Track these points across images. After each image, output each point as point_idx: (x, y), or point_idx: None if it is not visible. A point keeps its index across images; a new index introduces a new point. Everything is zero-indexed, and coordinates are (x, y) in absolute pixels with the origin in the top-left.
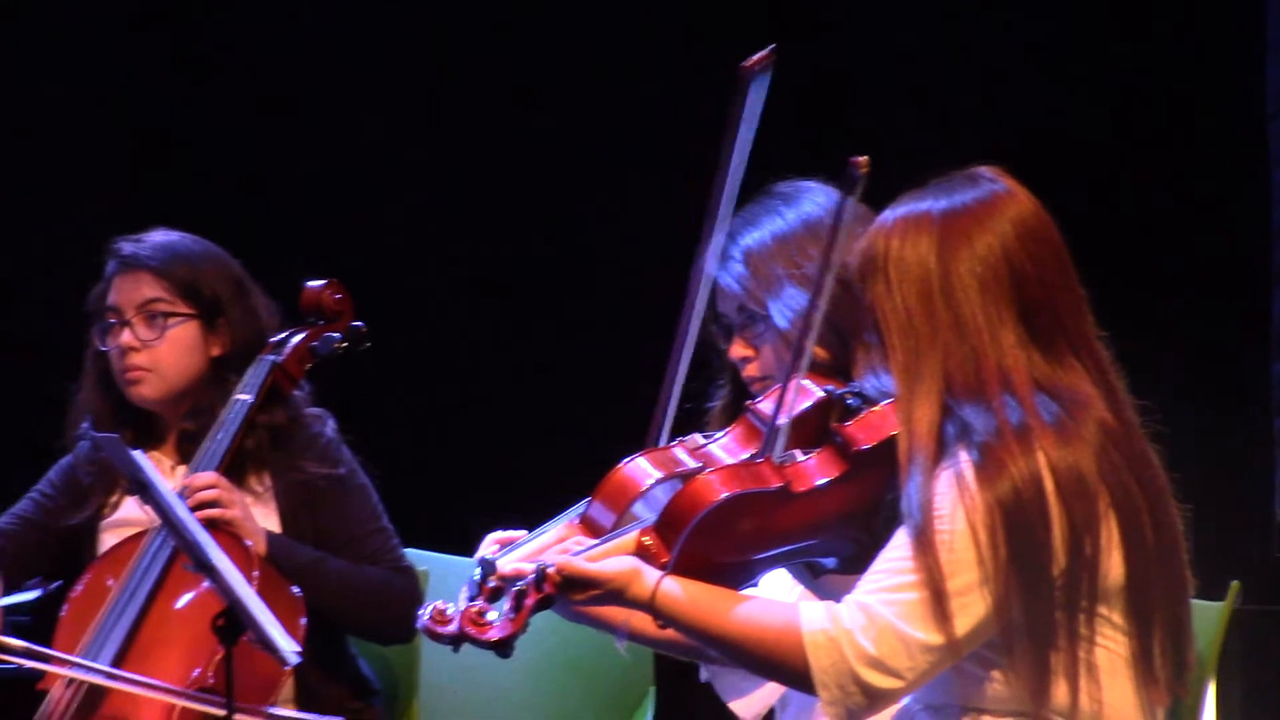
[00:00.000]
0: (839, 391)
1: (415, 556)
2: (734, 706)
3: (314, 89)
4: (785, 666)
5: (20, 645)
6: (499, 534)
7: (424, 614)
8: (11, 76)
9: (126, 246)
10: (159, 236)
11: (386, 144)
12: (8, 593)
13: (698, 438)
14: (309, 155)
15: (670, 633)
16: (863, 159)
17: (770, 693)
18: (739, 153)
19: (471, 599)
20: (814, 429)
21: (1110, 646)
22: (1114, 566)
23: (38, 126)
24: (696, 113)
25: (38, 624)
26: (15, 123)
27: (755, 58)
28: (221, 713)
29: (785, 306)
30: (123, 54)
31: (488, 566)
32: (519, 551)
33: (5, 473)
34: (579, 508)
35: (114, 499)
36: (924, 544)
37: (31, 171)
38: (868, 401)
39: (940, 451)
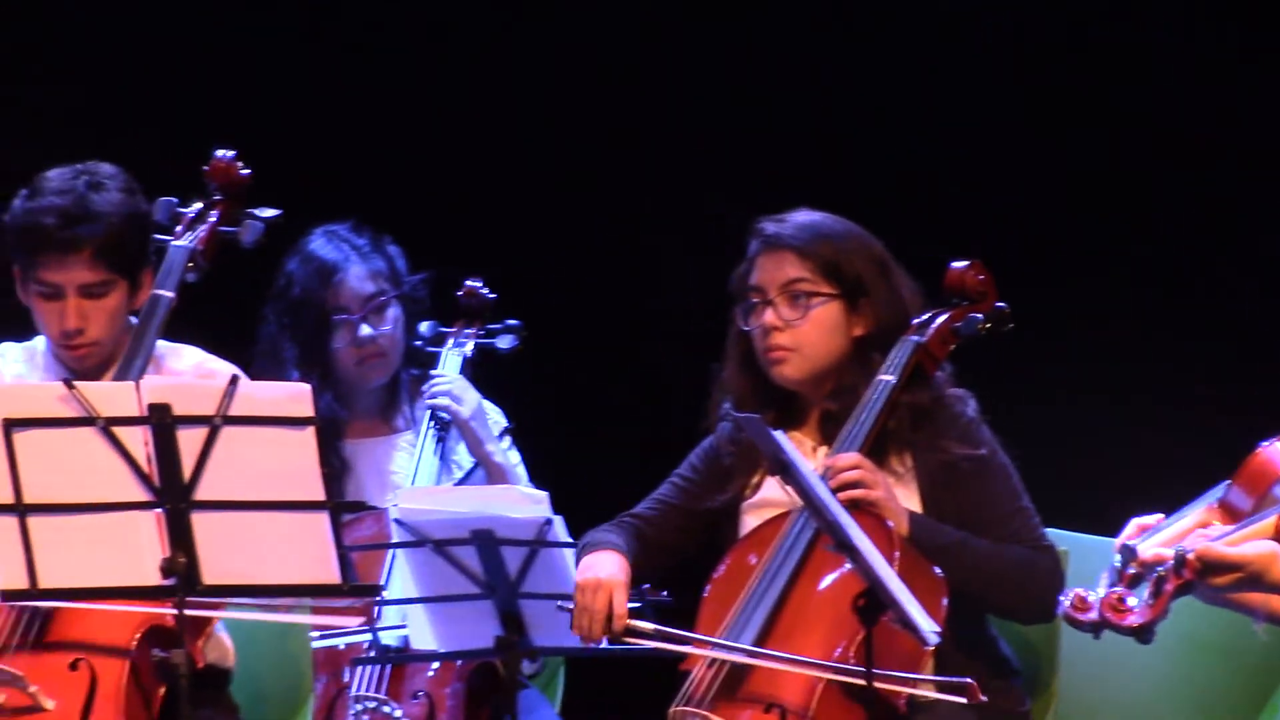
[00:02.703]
0: None
1: (1055, 536)
2: None
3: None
4: None
5: (666, 631)
6: (1139, 519)
7: (1065, 601)
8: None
9: (770, 226)
10: (801, 216)
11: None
12: (635, 585)
13: None
14: (959, 134)
15: None
16: None
17: None
18: None
19: (1112, 585)
20: None
21: None
22: None
23: (662, 114)
24: None
25: (680, 603)
26: (640, 107)
27: None
28: (863, 683)
29: None
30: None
31: (1128, 553)
32: (1158, 537)
33: (651, 456)
34: (1218, 491)
35: (755, 480)
36: None
37: (671, 155)
38: None
39: None
